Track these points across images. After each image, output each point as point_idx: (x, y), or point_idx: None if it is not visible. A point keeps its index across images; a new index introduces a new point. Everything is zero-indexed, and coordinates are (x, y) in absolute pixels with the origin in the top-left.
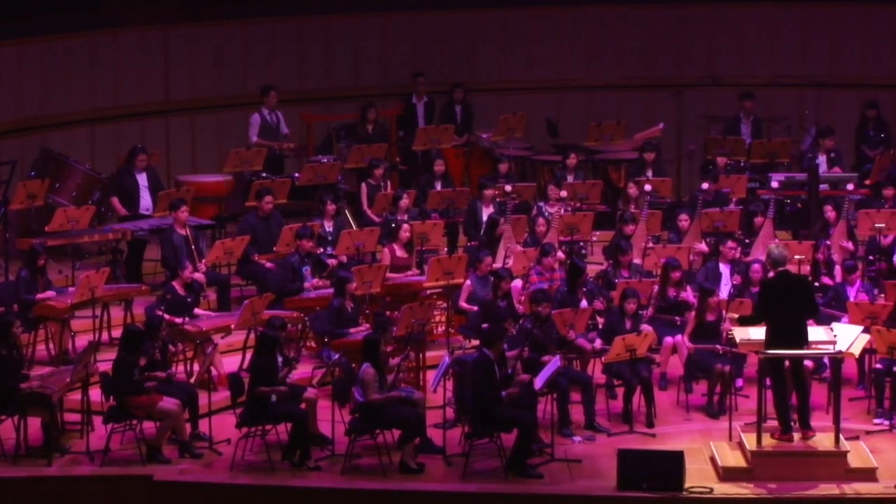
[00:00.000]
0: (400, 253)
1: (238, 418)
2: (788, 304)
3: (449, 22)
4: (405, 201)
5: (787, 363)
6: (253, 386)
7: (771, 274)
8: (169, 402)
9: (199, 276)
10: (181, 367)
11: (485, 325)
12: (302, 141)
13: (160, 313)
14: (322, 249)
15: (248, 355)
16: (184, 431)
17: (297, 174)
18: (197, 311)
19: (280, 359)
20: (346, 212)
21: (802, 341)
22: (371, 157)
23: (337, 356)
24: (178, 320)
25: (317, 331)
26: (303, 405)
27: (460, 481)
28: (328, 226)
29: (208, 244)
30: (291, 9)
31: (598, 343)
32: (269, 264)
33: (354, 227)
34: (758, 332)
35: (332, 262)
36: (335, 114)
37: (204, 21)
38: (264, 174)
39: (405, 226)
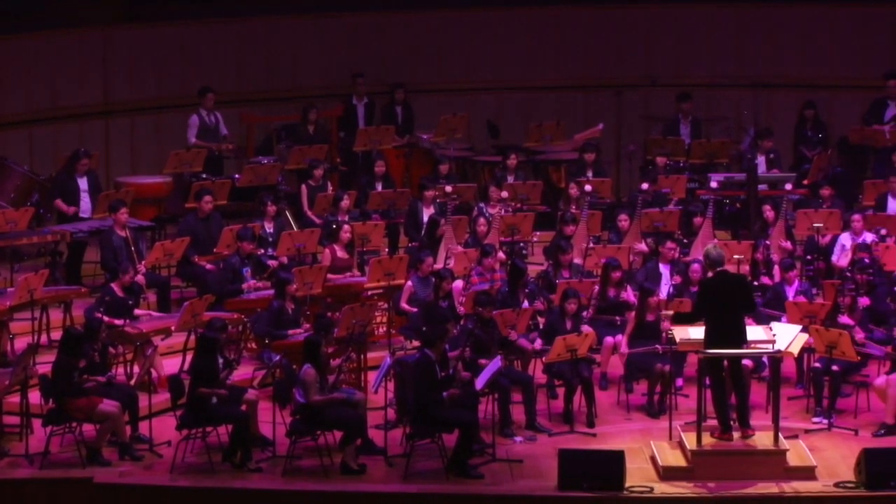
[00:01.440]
0: (341, 254)
1: (178, 420)
2: (727, 303)
3: (390, 23)
4: (346, 202)
5: (725, 362)
6: (193, 388)
7: (710, 274)
8: (109, 405)
9: (138, 277)
10: (121, 370)
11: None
12: (242, 142)
13: (100, 315)
14: (262, 251)
15: (189, 357)
16: (124, 434)
17: (237, 175)
18: (137, 312)
19: (220, 360)
20: (287, 213)
21: (741, 340)
22: (311, 158)
23: (277, 357)
24: (118, 322)
25: (257, 332)
26: (243, 407)
27: (401, 482)
28: (269, 227)
29: (148, 246)
30: (232, 10)
31: (538, 343)
32: (209, 266)
33: (295, 229)
34: (697, 332)
35: (272, 263)
36: (275, 115)
37: (143, 23)
38: (204, 175)
39: (346, 227)
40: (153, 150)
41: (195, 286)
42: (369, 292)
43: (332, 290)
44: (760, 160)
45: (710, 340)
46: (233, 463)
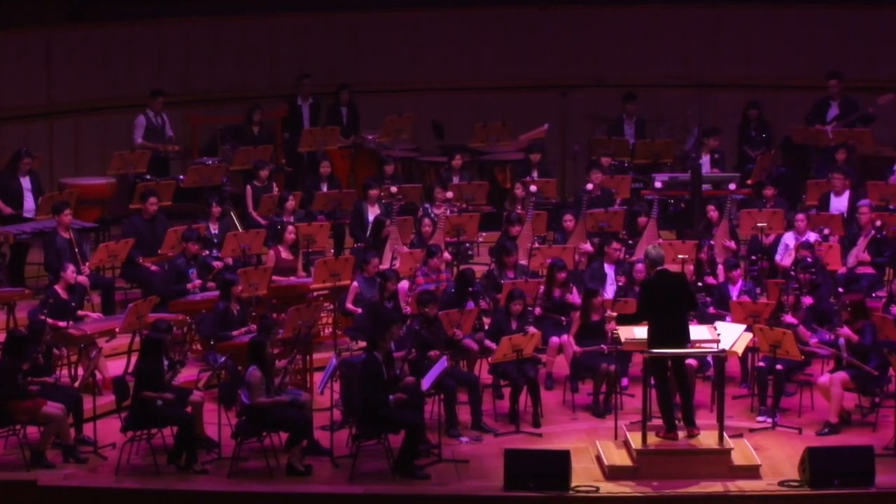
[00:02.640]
0: (286, 255)
1: (123, 422)
2: (669, 302)
3: (335, 24)
4: (291, 203)
5: (670, 362)
6: (138, 389)
7: (651, 274)
8: (53, 407)
9: (82, 279)
10: (65, 372)
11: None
12: (187, 143)
13: (43, 317)
14: (207, 252)
15: (134, 359)
16: (68, 436)
17: (182, 176)
18: (81, 314)
19: (166, 362)
20: (232, 214)
21: (685, 339)
22: (256, 159)
23: (223, 359)
24: (62, 324)
25: (202, 333)
26: (189, 408)
27: (348, 483)
28: (213, 228)
29: (92, 247)
30: (177, 11)
31: (485, 343)
32: (153, 267)
33: (240, 230)
34: (642, 332)
35: (217, 264)
36: (220, 115)
37: (88, 23)
38: (149, 176)
39: (291, 228)
40: (97, 151)
41: (140, 287)
42: (315, 293)
43: (277, 292)
44: (705, 160)
45: (653, 340)
46: (178, 465)
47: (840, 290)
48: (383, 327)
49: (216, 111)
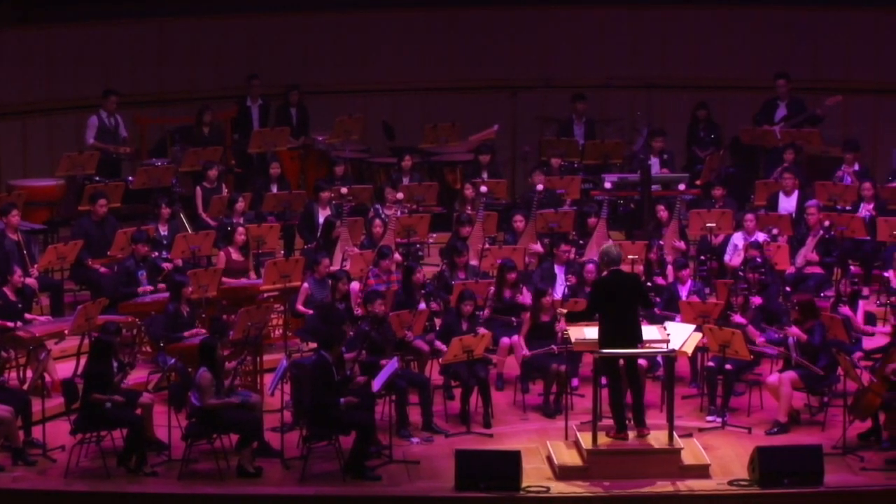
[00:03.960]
0: (236, 256)
1: (72, 425)
2: (621, 302)
3: (284, 25)
4: (241, 204)
5: (621, 362)
6: (87, 392)
7: (604, 273)
8: (1, 409)
9: (31, 281)
10: (14, 374)
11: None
12: (136, 144)
13: None
14: (157, 253)
15: (83, 361)
16: (17, 438)
17: (131, 178)
18: (29, 316)
19: (115, 364)
20: (182, 215)
21: (637, 339)
22: (206, 161)
23: (173, 361)
24: (10, 326)
25: (152, 335)
26: (138, 410)
27: (298, 484)
28: (163, 229)
29: (41, 249)
30: (125, 11)
31: (436, 344)
32: (103, 269)
33: (190, 231)
34: (592, 332)
35: (167, 266)
36: (169, 117)
37: (35, 25)
38: (98, 178)
39: (241, 229)
40: (45, 152)
41: (89, 289)
42: (265, 294)
43: (227, 293)
44: (654, 161)
45: (605, 340)
46: (128, 467)
47: (787, 289)
48: (335, 329)
49: (165, 112)
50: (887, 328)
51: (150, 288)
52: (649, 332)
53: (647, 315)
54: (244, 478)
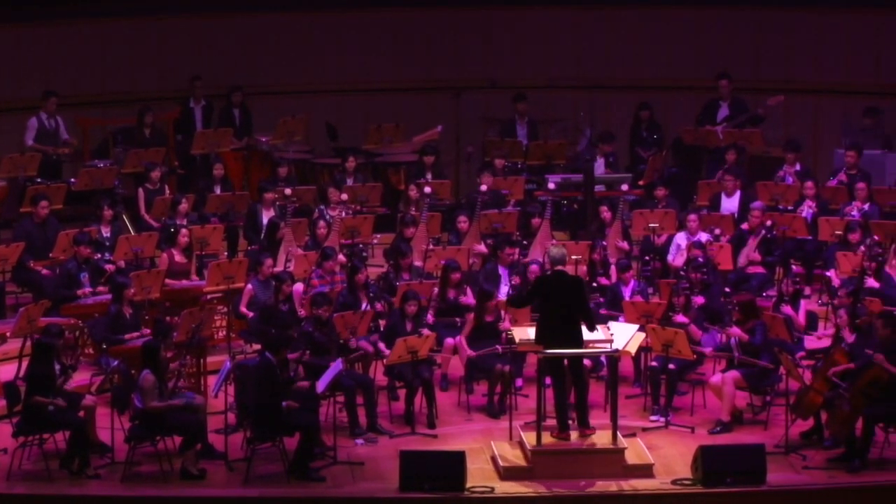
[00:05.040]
0: (179, 258)
1: (14, 427)
2: (561, 303)
3: (227, 25)
4: (184, 205)
5: (566, 362)
6: (29, 394)
7: (549, 272)
8: None
9: None
10: None
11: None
12: (78, 145)
13: None
14: (99, 255)
15: (25, 363)
16: None
17: (73, 179)
18: None
19: (57, 366)
20: (124, 217)
21: (579, 339)
22: (148, 162)
23: (115, 363)
24: None
25: (95, 337)
26: (81, 413)
27: (242, 486)
28: (105, 231)
29: None
30: (68, 12)
31: (378, 346)
32: (45, 271)
33: (132, 232)
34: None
35: (109, 267)
36: (111, 118)
37: None
38: (39, 180)
39: (184, 230)
40: None
41: (31, 291)
42: (208, 296)
43: (170, 295)
44: (599, 162)
45: (547, 340)
46: (70, 470)
47: (727, 289)
48: (280, 331)
49: (107, 113)
50: (830, 330)
51: (89, 290)
52: (594, 332)
53: (585, 318)
54: (188, 480)
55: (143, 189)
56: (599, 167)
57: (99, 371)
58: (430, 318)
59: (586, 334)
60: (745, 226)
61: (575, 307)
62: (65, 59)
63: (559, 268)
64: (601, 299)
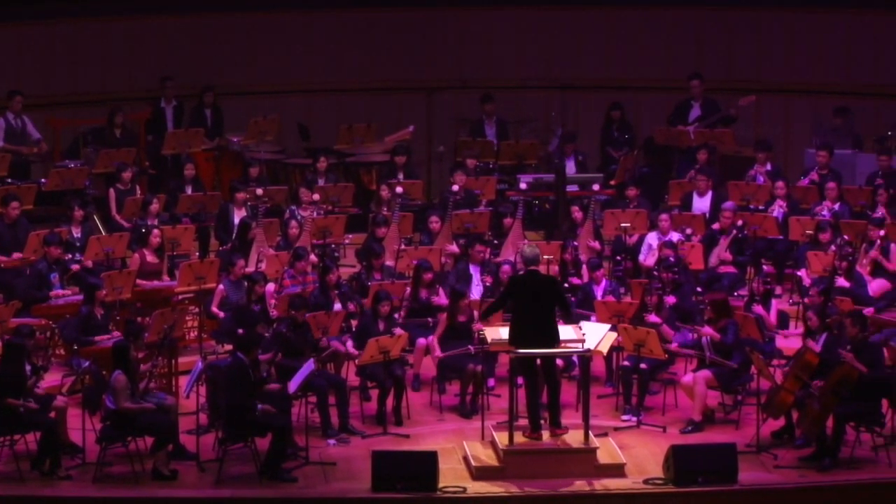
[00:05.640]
0: (150, 258)
1: None
2: (535, 302)
3: (198, 25)
4: (155, 206)
5: (538, 361)
6: (0, 396)
7: (521, 271)
8: None
9: None
10: None
11: (240, 331)
12: (49, 145)
13: None
14: (70, 255)
15: None
16: None
17: (43, 179)
18: None
19: (28, 367)
20: (95, 217)
21: (554, 339)
22: (119, 162)
23: (87, 364)
24: None
25: (66, 338)
26: (52, 414)
27: (214, 487)
28: (76, 232)
29: None
30: (38, 12)
31: (350, 345)
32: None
33: (103, 233)
34: (507, 332)
35: (74, 267)
36: (82, 118)
37: None
38: (10, 180)
39: (155, 231)
40: None
41: (1, 292)
42: (180, 296)
43: (141, 295)
44: (569, 162)
45: (520, 339)
46: (42, 471)
47: (699, 289)
48: (252, 331)
49: (77, 114)
50: (800, 329)
51: (61, 291)
52: (565, 331)
53: (562, 315)
54: (159, 480)
55: (115, 189)
56: (570, 168)
57: (70, 372)
58: (402, 314)
59: (561, 332)
60: (716, 226)
61: (549, 305)
62: (35, 59)
63: (532, 267)
64: (573, 299)
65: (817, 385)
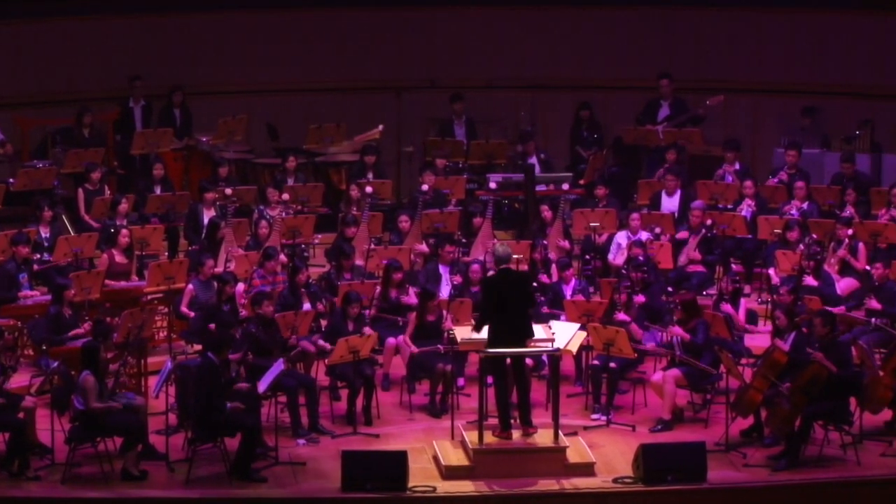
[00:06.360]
0: (119, 258)
1: None
2: (509, 300)
3: (166, 25)
4: (124, 206)
5: (508, 360)
6: None
7: (491, 272)
8: None
9: None
10: None
11: (212, 326)
12: (17, 145)
13: None
14: (38, 256)
15: None
16: None
17: (11, 179)
18: None
19: None
20: (64, 217)
21: (525, 337)
22: (88, 162)
23: (55, 364)
24: None
25: (34, 338)
26: (21, 414)
27: (184, 487)
28: (44, 232)
29: None
30: (5, 12)
31: (319, 343)
32: None
33: (72, 233)
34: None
35: (36, 267)
36: (50, 118)
37: None
38: None
39: (124, 231)
40: None
41: None
42: (149, 296)
43: (110, 295)
44: (535, 161)
45: (493, 338)
46: (10, 472)
47: (669, 288)
48: (223, 332)
49: (46, 114)
50: (769, 326)
51: (30, 293)
52: (535, 331)
53: (532, 314)
54: (129, 481)
55: (83, 189)
56: (536, 167)
57: (39, 372)
58: (371, 313)
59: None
60: (683, 234)
61: (523, 303)
62: (3, 58)
63: (504, 266)
64: (542, 298)
65: (787, 387)
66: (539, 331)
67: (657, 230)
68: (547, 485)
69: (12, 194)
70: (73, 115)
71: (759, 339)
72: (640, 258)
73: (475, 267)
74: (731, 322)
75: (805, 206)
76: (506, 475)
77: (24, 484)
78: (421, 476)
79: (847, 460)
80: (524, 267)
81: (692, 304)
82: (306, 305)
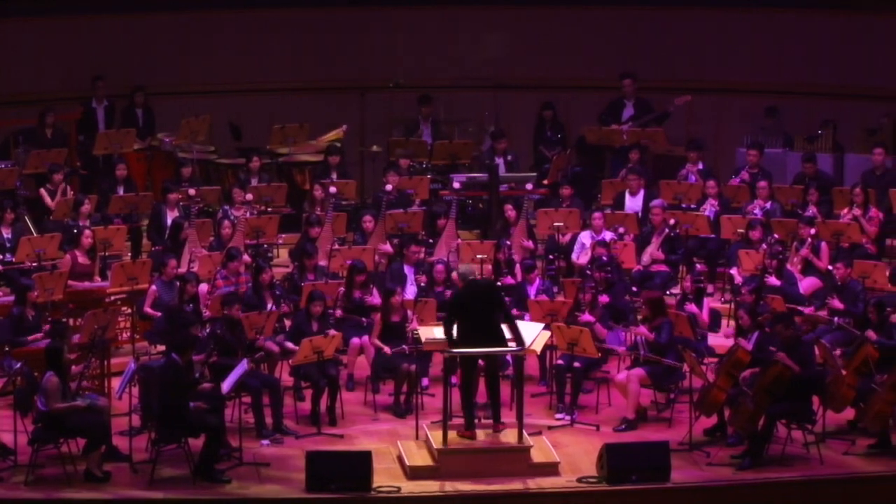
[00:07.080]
0: (82, 259)
1: None
2: (478, 308)
3: (128, 25)
4: (86, 207)
5: (481, 362)
6: None
7: (459, 287)
8: None
9: None
10: None
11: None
12: None
13: None
14: (1, 257)
15: None
16: None
17: None
18: None
19: None
20: (26, 218)
21: (497, 339)
22: (50, 163)
23: (18, 365)
24: None
25: None
26: None
27: (147, 488)
28: (6, 232)
29: None
30: None
31: (285, 344)
32: None
33: (34, 234)
34: (441, 332)
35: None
36: (12, 118)
37: None
38: None
39: (87, 231)
40: None
41: None
42: (112, 297)
43: (73, 296)
44: (499, 162)
45: (466, 343)
46: None
47: (634, 288)
48: (186, 332)
49: (7, 114)
50: (731, 328)
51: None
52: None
53: (505, 320)
54: (92, 482)
55: (45, 190)
56: (501, 167)
57: (2, 373)
58: (337, 313)
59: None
60: (628, 237)
61: (491, 309)
62: None
63: (470, 278)
64: (507, 299)
65: (748, 385)
66: (504, 330)
67: (621, 230)
68: (511, 484)
69: None
70: (36, 116)
71: (721, 339)
72: (604, 258)
73: (439, 267)
74: (694, 321)
75: (768, 205)
76: (470, 475)
77: None
78: (385, 476)
79: (810, 459)
80: (488, 267)
81: (658, 303)
82: (270, 306)
